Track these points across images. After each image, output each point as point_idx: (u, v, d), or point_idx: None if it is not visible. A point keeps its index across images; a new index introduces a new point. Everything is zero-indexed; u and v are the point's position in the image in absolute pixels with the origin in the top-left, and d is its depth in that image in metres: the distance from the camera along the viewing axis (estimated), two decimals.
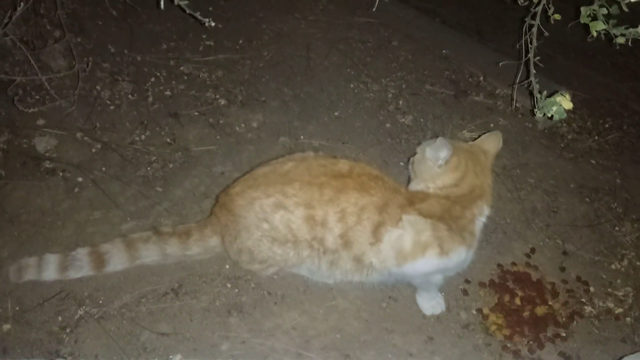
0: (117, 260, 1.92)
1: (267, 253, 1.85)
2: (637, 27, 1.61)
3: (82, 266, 1.90)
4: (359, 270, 1.82)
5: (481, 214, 1.85)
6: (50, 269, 1.89)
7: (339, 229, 1.74)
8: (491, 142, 1.97)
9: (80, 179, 2.29)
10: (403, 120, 2.70)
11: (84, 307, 1.89)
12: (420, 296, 1.98)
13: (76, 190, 2.25)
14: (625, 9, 1.68)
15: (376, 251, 1.75)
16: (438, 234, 1.72)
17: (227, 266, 2.03)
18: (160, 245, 1.92)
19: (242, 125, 2.58)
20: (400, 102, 2.79)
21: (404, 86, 2.89)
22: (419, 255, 1.72)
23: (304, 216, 1.75)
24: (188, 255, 1.96)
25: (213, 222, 1.95)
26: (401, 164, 2.47)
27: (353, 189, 1.74)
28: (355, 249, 1.76)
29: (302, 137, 2.55)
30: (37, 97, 2.56)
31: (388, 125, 2.67)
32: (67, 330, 1.84)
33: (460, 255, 1.76)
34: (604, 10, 1.66)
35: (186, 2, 1.71)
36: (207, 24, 1.72)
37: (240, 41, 3.02)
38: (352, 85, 2.85)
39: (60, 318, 1.87)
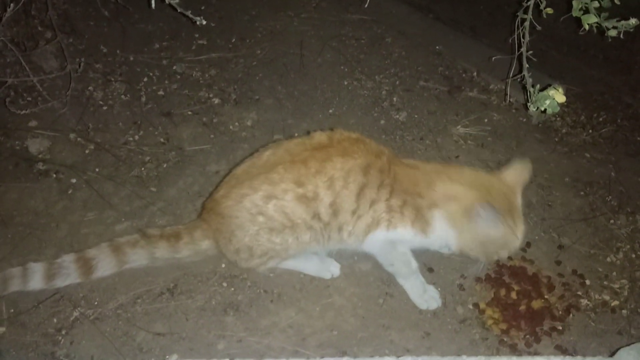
0: (105, 265, 1.89)
1: (266, 245, 1.85)
2: (628, 19, 1.61)
3: (69, 274, 1.87)
4: (342, 242, 1.89)
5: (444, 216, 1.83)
6: (35, 279, 1.84)
7: (329, 197, 1.77)
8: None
9: (73, 180, 2.28)
10: (397, 116, 2.70)
11: (79, 308, 1.88)
12: (410, 292, 1.97)
13: (70, 191, 2.24)
14: (616, 1, 1.69)
15: (352, 224, 1.82)
16: (390, 208, 1.80)
17: (223, 265, 2.03)
18: (148, 250, 1.90)
19: (236, 123, 2.58)
20: (395, 98, 2.79)
21: (397, 83, 2.88)
22: (373, 229, 1.82)
23: (295, 197, 1.77)
24: (178, 258, 1.94)
25: (203, 226, 1.93)
26: None
27: (337, 155, 1.77)
28: (340, 218, 1.81)
29: (296, 134, 2.54)
30: (29, 98, 2.55)
31: (382, 121, 2.67)
32: (63, 332, 1.83)
33: (408, 234, 1.82)
34: (596, 4, 1.66)
35: (177, 0, 1.70)
36: (198, 23, 1.72)
37: (233, 40, 3.02)
38: (345, 82, 2.85)
39: (55, 320, 1.86)
